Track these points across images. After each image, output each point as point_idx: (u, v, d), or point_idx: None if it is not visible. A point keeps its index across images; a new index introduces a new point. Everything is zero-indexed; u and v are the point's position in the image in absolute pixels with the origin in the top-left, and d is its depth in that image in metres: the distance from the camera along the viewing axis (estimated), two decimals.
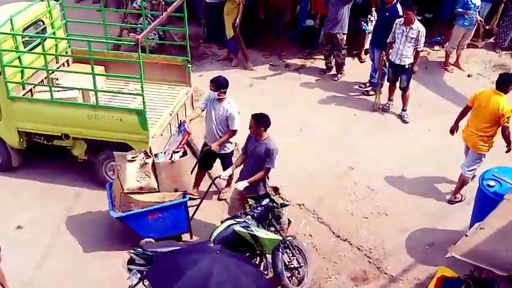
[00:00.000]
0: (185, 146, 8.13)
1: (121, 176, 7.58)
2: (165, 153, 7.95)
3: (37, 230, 7.91)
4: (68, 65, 9.65)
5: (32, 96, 8.82)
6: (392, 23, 9.98)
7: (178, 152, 7.89)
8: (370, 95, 10.95)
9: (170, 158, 7.79)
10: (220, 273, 5.33)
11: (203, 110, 8.24)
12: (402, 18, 9.78)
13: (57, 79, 8.95)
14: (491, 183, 7.42)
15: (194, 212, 7.88)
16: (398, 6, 10.27)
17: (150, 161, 7.66)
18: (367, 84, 11.17)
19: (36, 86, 8.86)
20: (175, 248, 6.50)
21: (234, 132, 8.09)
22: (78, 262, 7.54)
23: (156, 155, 7.84)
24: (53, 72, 8.84)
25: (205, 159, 8.43)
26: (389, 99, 10.57)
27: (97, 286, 7.22)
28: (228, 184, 8.54)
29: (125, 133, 8.37)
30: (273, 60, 12.01)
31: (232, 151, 8.43)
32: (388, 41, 10.00)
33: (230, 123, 7.99)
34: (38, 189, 8.80)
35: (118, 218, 7.58)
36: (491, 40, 12.49)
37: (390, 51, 10.04)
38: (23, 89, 8.75)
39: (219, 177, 7.85)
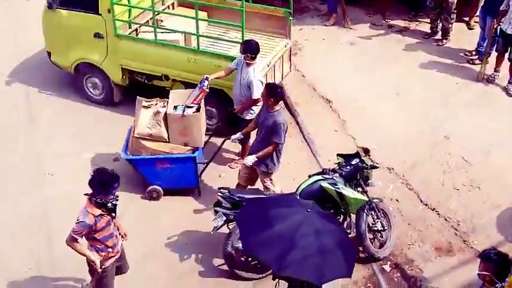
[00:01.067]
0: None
1: (135, 121, 7.73)
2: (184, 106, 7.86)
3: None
4: (173, 8, 9.82)
5: (137, 35, 9.07)
6: None
7: (192, 107, 7.78)
8: (475, 64, 10.48)
9: (183, 112, 7.71)
10: (308, 230, 5.34)
11: (232, 71, 8.01)
12: None
13: (162, 21, 9.13)
14: None
15: (202, 170, 7.96)
16: None
17: (163, 110, 7.67)
18: (473, 53, 10.70)
19: (141, 26, 9.09)
20: (262, 196, 6.60)
21: (254, 100, 7.81)
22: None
23: (175, 107, 7.76)
24: (158, 14, 9.01)
25: (230, 121, 8.29)
26: (496, 70, 10.09)
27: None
28: (244, 154, 8.25)
29: (221, 80, 8.46)
30: (376, 20, 11.77)
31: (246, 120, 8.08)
32: (501, 8, 9.49)
33: (251, 91, 7.76)
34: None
35: (127, 159, 7.77)
36: None
37: (503, 19, 9.54)
38: (129, 28, 9.00)
39: (229, 139, 7.72)
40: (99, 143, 8.76)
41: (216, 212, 6.67)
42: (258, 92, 7.67)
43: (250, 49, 7.68)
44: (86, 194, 5.52)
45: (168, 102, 7.83)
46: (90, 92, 9.46)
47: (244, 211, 6.12)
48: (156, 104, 7.79)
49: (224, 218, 6.60)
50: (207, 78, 7.85)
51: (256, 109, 7.90)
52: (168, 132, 7.70)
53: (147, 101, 7.79)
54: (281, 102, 7.21)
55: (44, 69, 10.05)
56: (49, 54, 9.62)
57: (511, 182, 8.17)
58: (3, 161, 8.48)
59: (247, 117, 7.96)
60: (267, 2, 10.06)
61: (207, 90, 7.76)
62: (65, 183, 8.00)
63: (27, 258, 6.99)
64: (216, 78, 7.99)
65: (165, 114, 7.64)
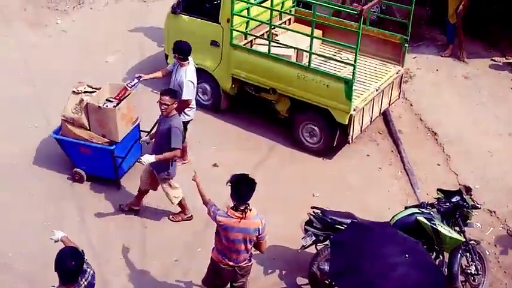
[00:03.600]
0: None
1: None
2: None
3: (229, 171, 8.32)
4: (290, 24, 9.93)
5: (251, 46, 9.22)
6: None
7: (112, 101, 7.74)
8: None
9: (103, 104, 7.74)
10: (398, 276, 5.21)
11: (169, 72, 8.00)
12: None
13: (277, 35, 9.25)
14: None
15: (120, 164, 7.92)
16: None
17: (86, 99, 7.72)
18: None
19: (256, 38, 9.23)
20: (356, 221, 6.47)
21: (186, 101, 7.71)
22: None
23: (108, 99, 7.84)
24: (274, 28, 9.13)
25: None
26: None
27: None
28: (183, 155, 8.28)
29: (328, 99, 8.43)
30: (495, 56, 11.37)
31: (184, 121, 7.79)
32: None
33: (182, 92, 7.64)
34: (237, 135, 9.31)
35: (55, 139, 7.97)
36: None
37: None
38: (244, 39, 9.18)
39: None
40: (201, 146, 8.97)
41: (307, 231, 6.64)
42: (188, 93, 7.66)
43: (179, 50, 7.73)
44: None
45: (97, 92, 7.94)
46: (199, 96, 9.71)
47: (342, 235, 6.05)
48: (85, 91, 7.90)
49: (313, 238, 6.55)
50: (139, 77, 7.93)
51: (190, 112, 7.98)
52: (88, 121, 7.80)
53: (77, 87, 7.93)
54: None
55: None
56: (166, 56, 9.99)
57: None
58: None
59: (182, 120, 7.73)
60: (383, 26, 9.96)
61: (129, 88, 7.73)
62: None
63: None
64: (152, 78, 8.12)
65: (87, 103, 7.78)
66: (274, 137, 9.22)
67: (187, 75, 7.74)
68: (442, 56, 11.32)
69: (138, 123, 8.34)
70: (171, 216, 7.71)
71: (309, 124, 8.84)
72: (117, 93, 7.91)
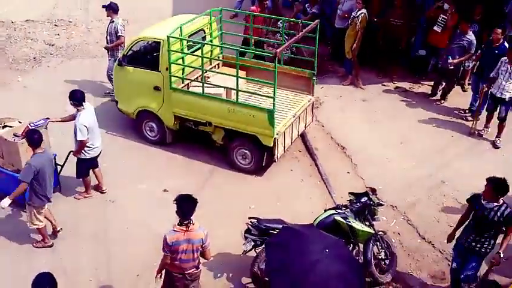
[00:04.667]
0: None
1: None
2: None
3: (177, 194, 8.20)
4: (218, 67, 9.97)
5: (188, 89, 9.20)
6: (499, 58, 9.38)
7: (18, 136, 7.58)
8: (468, 121, 10.38)
9: (10, 137, 7.61)
10: (321, 269, 5.28)
11: (72, 117, 7.73)
12: (507, 57, 9.17)
13: (209, 77, 9.28)
14: None
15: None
16: (506, 44, 9.64)
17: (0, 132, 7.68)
18: (467, 111, 10.60)
19: (192, 82, 9.22)
20: (286, 226, 6.52)
21: (79, 142, 7.56)
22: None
23: (15, 134, 7.67)
24: (206, 72, 9.16)
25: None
26: (486, 126, 9.97)
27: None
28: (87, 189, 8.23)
29: (255, 127, 8.50)
30: (385, 82, 11.71)
31: (85, 159, 7.84)
32: (491, 75, 9.42)
33: (76, 134, 7.56)
34: (182, 163, 9.21)
35: None
36: None
37: (492, 85, 9.46)
38: (182, 83, 9.16)
39: None
40: (152, 175, 8.84)
41: (246, 238, 6.65)
42: (80, 135, 7.50)
43: (72, 97, 7.55)
44: None
45: (14, 127, 7.83)
46: (148, 133, 9.60)
47: (274, 238, 6.09)
48: (4, 125, 7.81)
49: (252, 243, 6.57)
50: (46, 119, 7.80)
51: (91, 151, 7.80)
52: (2, 151, 7.71)
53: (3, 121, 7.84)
54: (42, 146, 6.84)
55: (110, 115, 10.20)
56: (116, 102, 9.84)
57: None
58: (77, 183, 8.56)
59: (82, 157, 7.79)
60: (295, 64, 10.16)
61: (30, 127, 7.47)
62: (123, 211, 8.08)
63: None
64: (59, 121, 7.94)
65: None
66: (214, 161, 9.19)
67: (80, 120, 7.51)
68: (343, 85, 11.53)
69: (54, 156, 7.84)
70: (33, 243, 7.38)
71: (241, 149, 8.89)
72: (23, 130, 7.57)
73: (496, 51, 9.61)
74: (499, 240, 6.27)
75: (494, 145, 9.67)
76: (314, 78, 9.41)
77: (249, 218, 6.80)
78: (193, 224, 5.48)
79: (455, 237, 6.63)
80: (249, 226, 6.68)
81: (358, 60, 11.32)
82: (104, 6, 10.33)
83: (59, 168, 8.09)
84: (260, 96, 9.07)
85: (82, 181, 8.22)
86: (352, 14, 10.97)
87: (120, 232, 7.64)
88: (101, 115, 10.06)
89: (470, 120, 10.30)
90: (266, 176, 9.01)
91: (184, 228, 5.44)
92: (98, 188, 8.41)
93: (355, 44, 10.99)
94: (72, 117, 7.73)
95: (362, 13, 10.76)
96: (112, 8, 10.11)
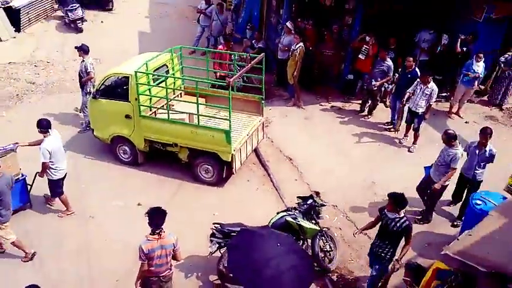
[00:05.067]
0: None
1: None
2: None
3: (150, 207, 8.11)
4: (181, 96, 9.92)
5: (155, 116, 9.12)
6: (412, 81, 9.76)
7: None
8: (391, 131, 10.71)
9: None
10: (275, 261, 5.30)
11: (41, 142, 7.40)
12: (424, 78, 9.52)
13: (173, 105, 9.23)
14: (479, 202, 7.12)
15: None
16: (417, 69, 10.06)
17: None
18: (389, 123, 10.95)
19: (158, 109, 9.15)
20: (244, 228, 6.52)
21: (42, 164, 7.31)
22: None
23: None
24: (170, 101, 9.11)
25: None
26: (405, 135, 10.31)
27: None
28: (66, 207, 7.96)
29: (215, 145, 8.51)
30: (322, 102, 11.92)
31: (54, 179, 7.60)
32: (408, 91, 9.77)
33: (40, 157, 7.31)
34: (153, 179, 9.07)
35: None
36: (485, 98, 12.01)
37: (409, 100, 9.83)
38: (150, 110, 9.07)
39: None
40: (127, 193, 8.67)
41: (212, 241, 6.61)
42: (42, 158, 7.28)
43: (38, 125, 7.32)
44: None
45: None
46: (121, 156, 9.42)
47: (234, 239, 6.07)
48: None
49: (217, 245, 6.54)
50: (15, 144, 7.59)
51: (57, 173, 7.56)
52: None
53: None
54: (0, 171, 6.50)
55: (86, 141, 9.97)
56: (92, 130, 9.63)
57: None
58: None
59: (50, 178, 7.59)
60: (246, 91, 10.24)
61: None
62: (102, 226, 7.89)
63: None
64: (26, 145, 7.64)
65: None
66: (181, 176, 9.09)
67: (43, 144, 7.29)
68: (288, 106, 11.63)
69: (24, 177, 7.79)
70: (22, 259, 7.05)
71: (204, 164, 8.86)
72: None
73: (410, 76, 10.01)
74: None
75: (409, 150, 10.01)
76: (263, 101, 9.51)
77: (213, 223, 6.77)
78: (164, 232, 5.42)
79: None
80: (214, 230, 6.64)
81: (299, 85, 11.48)
82: (76, 48, 10.20)
83: (30, 187, 7.86)
84: (218, 119, 9.06)
85: (60, 200, 7.95)
86: (292, 47, 11.18)
87: (100, 244, 7.44)
88: (78, 142, 9.97)
89: (392, 131, 10.63)
90: (227, 186, 8.99)
91: (157, 237, 5.38)
92: (48, 201, 8.10)
93: (295, 72, 11.15)
94: (39, 142, 7.45)
95: (300, 46, 10.99)
96: (83, 49, 10.01)
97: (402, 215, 5.94)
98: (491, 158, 7.59)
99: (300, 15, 11.97)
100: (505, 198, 6.89)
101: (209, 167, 8.84)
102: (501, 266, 4.79)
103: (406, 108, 10.13)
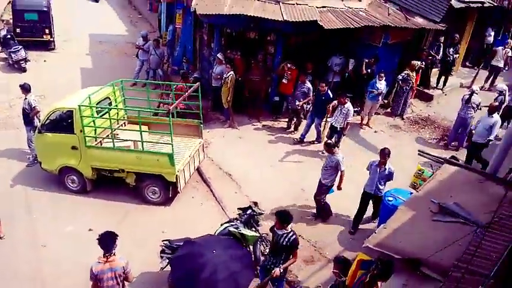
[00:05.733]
0: None
1: None
2: None
3: (101, 232, 7.73)
4: (125, 125, 9.62)
5: (101, 145, 8.76)
6: (326, 102, 10.11)
7: None
8: (315, 144, 10.99)
9: None
10: (210, 267, 5.21)
11: None
12: (341, 100, 9.93)
13: (118, 134, 8.92)
14: (390, 198, 7.48)
15: None
16: (329, 92, 10.46)
17: None
18: (316, 138, 11.17)
19: (104, 139, 8.81)
20: (187, 240, 6.33)
21: None
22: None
23: None
24: (114, 130, 8.80)
25: None
26: None
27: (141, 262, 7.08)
28: None
29: (160, 168, 8.31)
30: (254, 122, 12.01)
31: None
32: (331, 106, 10.14)
33: None
34: (103, 205, 8.65)
35: None
36: (389, 110, 12.73)
37: (330, 118, 10.22)
38: (95, 141, 8.70)
39: None
40: (78, 219, 8.20)
41: (162, 257, 6.39)
42: None
43: None
44: None
45: None
46: (70, 185, 8.91)
47: (178, 252, 5.92)
48: None
49: (167, 260, 6.33)
50: None
51: None
52: None
53: None
54: None
55: (35, 173, 9.33)
56: (40, 163, 9.04)
57: (344, 212, 8.49)
58: (10, 230, 7.71)
59: None
60: (185, 116, 10.13)
61: None
62: (55, 253, 7.37)
63: None
64: None
65: None
66: (130, 199, 8.74)
67: None
68: (224, 128, 11.61)
69: None
70: None
71: (151, 186, 8.60)
72: None
73: (323, 97, 10.39)
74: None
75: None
76: (201, 125, 9.45)
77: (162, 240, 6.57)
78: (114, 255, 5.17)
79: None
80: (163, 247, 6.44)
81: (232, 108, 11.53)
82: (19, 86, 9.63)
83: None
84: (161, 144, 8.86)
85: None
86: (224, 75, 11.25)
87: (54, 269, 6.94)
88: (27, 175, 9.32)
89: (318, 143, 10.93)
90: (173, 205, 8.77)
91: (107, 259, 5.12)
92: None
93: (229, 97, 11.20)
94: None
95: (231, 74, 11.08)
96: (24, 88, 9.49)
97: (290, 229, 5.87)
98: (390, 175, 7.62)
99: (229, 47, 12.11)
100: (411, 193, 7.29)
101: (156, 188, 8.59)
102: (412, 253, 5.02)
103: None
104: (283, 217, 5.84)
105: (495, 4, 13.81)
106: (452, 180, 6.20)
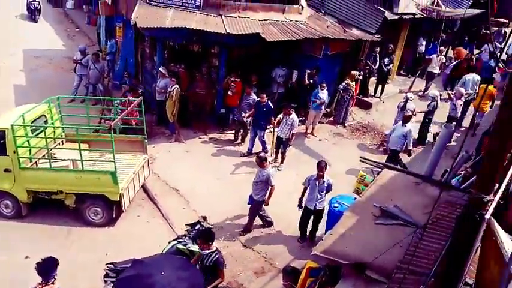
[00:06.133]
0: None
1: None
2: None
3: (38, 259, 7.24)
4: (63, 144, 9.13)
5: (37, 166, 8.25)
6: (267, 113, 10.23)
7: None
8: (265, 154, 10.99)
9: None
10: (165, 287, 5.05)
11: None
12: (285, 111, 10.08)
13: (55, 153, 8.43)
14: (336, 205, 7.65)
15: None
16: (269, 102, 10.53)
17: None
18: (262, 150, 11.24)
19: (39, 159, 8.30)
20: (134, 260, 6.08)
21: None
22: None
23: None
24: (51, 150, 8.31)
25: None
26: (275, 158, 10.77)
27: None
28: None
29: (102, 187, 7.97)
30: (200, 135, 11.87)
31: None
32: (277, 120, 10.28)
33: None
34: (41, 229, 8.11)
35: None
36: (331, 118, 13.13)
37: (277, 129, 10.33)
38: (30, 162, 8.18)
39: None
40: (12, 247, 7.61)
41: (106, 281, 6.07)
42: None
43: None
44: None
45: None
46: (3, 210, 8.27)
47: (124, 273, 5.66)
48: None
49: (112, 284, 6.01)
50: None
51: None
52: None
53: None
54: None
55: None
56: None
57: (293, 222, 8.55)
58: None
59: None
60: (128, 132, 9.82)
61: None
62: None
63: None
64: None
65: None
66: (70, 222, 8.27)
67: None
68: (170, 142, 11.38)
69: None
70: None
71: (93, 207, 8.21)
72: None
73: (264, 109, 10.45)
74: None
75: (278, 169, 10.42)
76: (146, 140, 9.20)
77: (106, 264, 6.24)
78: (53, 284, 4.83)
79: None
80: (107, 271, 6.12)
81: (178, 122, 11.34)
82: None
83: None
84: (103, 162, 8.48)
85: None
86: (168, 89, 11.07)
87: None
88: None
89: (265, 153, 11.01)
90: (118, 225, 8.41)
91: (41, 287, 4.77)
92: None
93: (174, 111, 11.02)
94: None
95: (175, 88, 10.92)
96: None
97: (214, 249, 5.86)
98: (329, 187, 7.69)
99: (173, 60, 11.96)
100: (355, 199, 7.50)
101: (98, 209, 8.21)
102: (358, 257, 5.14)
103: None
104: (204, 235, 5.82)
105: (425, 15, 14.80)
106: (391, 184, 6.46)
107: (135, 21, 10.39)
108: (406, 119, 10.21)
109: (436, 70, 15.10)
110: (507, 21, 18.95)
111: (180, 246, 6.52)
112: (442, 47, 15.75)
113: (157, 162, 10.49)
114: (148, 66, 12.74)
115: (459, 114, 12.10)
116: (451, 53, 16.87)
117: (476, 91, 12.72)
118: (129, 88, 11.59)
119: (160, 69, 11.32)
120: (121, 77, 13.62)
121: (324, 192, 7.71)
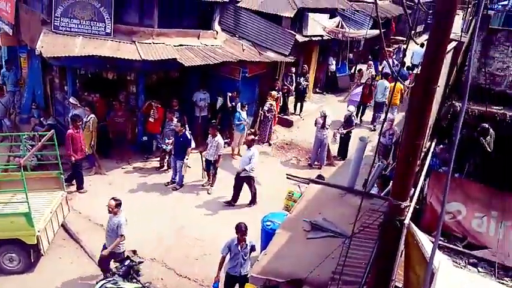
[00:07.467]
0: None
1: None
2: None
3: None
4: None
5: None
6: (184, 143, 10.09)
7: None
8: (191, 181, 10.84)
9: None
10: None
11: None
12: (211, 131, 10.13)
13: None
14: (268, 223, 7.78)
15: None
16: (187, 133, 10.38)
17: None
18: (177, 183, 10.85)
19: None
20: None
21: None
22: None
23: None
24: None
25: None
26: (208, 181, 10.70)
27: None
28: None
29: (16, 231, 7.32)
30: (123, 165, 11.41)
31: None
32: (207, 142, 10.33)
33: None
34: None
35: None
36: (256, 138, 13.37)
37: (205, 152, 10.36)
38: None
39: None
40: None
41: None
42: None
43: None
44: None
45: None
46: None
47: None
48: None
49: None
50: None
51: None
52: None
53: None
54: None
55: None
56: None
57: None
58: None
59: None
60: (42, 168, 9.12)
61: None
62: None
63: None
64: None
65: None
66: None
67: None
68: (90, 175, 10.66)
69: None
70: None
71: (7, 254, 7.46)
72: None
73: (181, 139, 10.27)
74: None
75: (208, 192, 10.43)
76: (61, 176, 8.63)
77: None
78: None
79: None
80: None
81: (97, 153, 10.82)
82: None
83: None
84: (15, 203, 7.79)
85: None
86: (84, 119, 10.51)
87: None
88: None
89: (200, 181, 10.86)
90: (37, 270, 7.71)
91: None
92: None
93: (92, 142, 10.51)
94: None
95: (91, 117, 10.43)
96: None
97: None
98: (253, 248, 7.00)
99: (86, 89, 11.43)
100: (287, 215, 7.70)
101: (13, 254, 7.48)
102: (293, 274, 5.27)
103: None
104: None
105: (332, 37, 15.93)
106: (318, 198, 6.77)
107: (40, 51, 9.78)
108: (248, 143, 9.94)
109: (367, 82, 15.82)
110: (405, 39, 21.15)
111: (109, 285, 6.18)
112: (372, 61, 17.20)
113: (77, 197, 9.87)
114: (59, 96, 12.05)
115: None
116: (360, 67, 18.29)
117: (386, 97, 14.19)
118: (71, 120, 10.78)
119: (70, 100, 10.74)
120: (29, 110, 12.71)
121: (248, 256, 6.95)
